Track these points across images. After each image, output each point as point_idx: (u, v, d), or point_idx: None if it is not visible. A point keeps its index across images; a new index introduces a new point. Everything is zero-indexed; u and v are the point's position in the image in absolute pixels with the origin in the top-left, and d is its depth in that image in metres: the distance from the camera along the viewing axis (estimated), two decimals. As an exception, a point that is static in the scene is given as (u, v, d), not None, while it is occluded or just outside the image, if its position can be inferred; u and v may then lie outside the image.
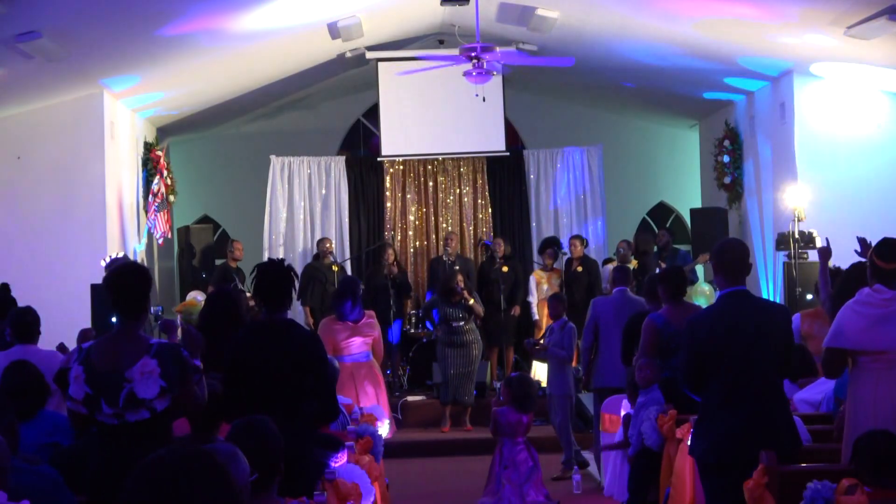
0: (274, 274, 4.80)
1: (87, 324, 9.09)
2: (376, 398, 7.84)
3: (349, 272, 12.62)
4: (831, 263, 6.81)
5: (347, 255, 13.09)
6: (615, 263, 11.70)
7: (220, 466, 1.95)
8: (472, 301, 10.40)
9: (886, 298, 4.49)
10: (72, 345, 7.07)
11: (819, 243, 10.28)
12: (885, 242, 4.61)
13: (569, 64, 9.95)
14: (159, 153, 12.46)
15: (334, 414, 5.05)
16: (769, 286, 11.65)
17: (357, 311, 7.91)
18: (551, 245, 12.01)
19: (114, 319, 7.24)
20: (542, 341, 8.96)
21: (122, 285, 4.08)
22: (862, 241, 5.87)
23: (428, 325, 11.44)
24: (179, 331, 4.53)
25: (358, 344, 7.94)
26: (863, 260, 5.68)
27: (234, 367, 4.67)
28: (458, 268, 11.55)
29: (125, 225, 11.43)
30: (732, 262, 4.63)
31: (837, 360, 4.63)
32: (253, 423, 3.50)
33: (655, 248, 12.38)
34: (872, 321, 4.48)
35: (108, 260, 9.49)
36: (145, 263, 11.45)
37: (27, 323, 5.96)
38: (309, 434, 4.64)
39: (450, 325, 10.36)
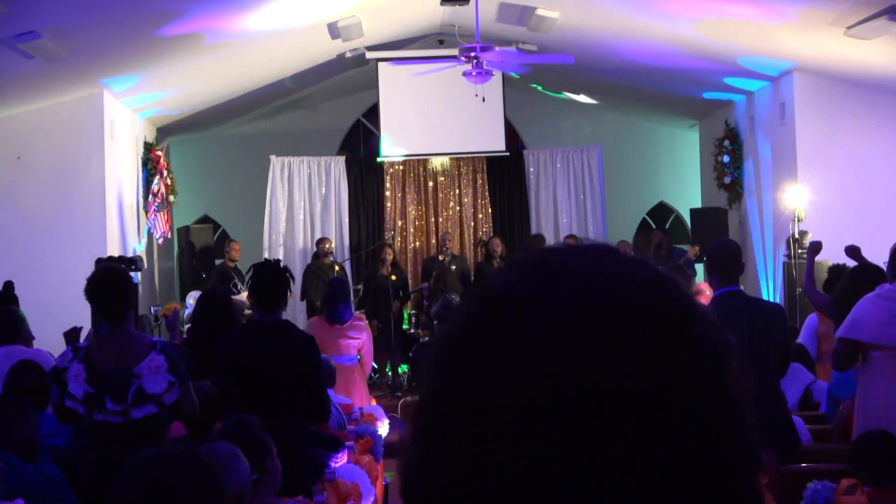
0: (269, 275, 4.82)
1: (87, 324, 9.07)
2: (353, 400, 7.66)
3: (349, 272, 12.62)
4: (831, 262, 6.82)
5: (347, 255, 13.08)
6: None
7: (207, 466, 1.95)
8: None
9: None
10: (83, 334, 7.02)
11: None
12: None
13: (568, 61, 9.95)
14: (159, 153, 12.46)
15: (324, 415, 5.03)
16: (769, 286, 11.64)
17: (348, 313, 7.80)
18: (543, 243, 12.05)
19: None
20: None
21: (97, 295, 4.17)
22: (851, 249, 5.95)
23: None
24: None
25: (343, 346, 7.66)
26: (867, 262, 5.72)
27: (230, 367, 4.67)
28: (454, 267, 11.61)
29: (125, 225, 11.43)
30: (726, 263, 4.63)
31: (851, 351, 4.57)
32: (238, 422, 3.51)
33: (655, 248, 12.37)
34: (893, 316, 4.43)
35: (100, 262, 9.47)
36: (145, 263, 11.44)
37: (7, 323, 5.78)
38: (303, 433, 4.64)
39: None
